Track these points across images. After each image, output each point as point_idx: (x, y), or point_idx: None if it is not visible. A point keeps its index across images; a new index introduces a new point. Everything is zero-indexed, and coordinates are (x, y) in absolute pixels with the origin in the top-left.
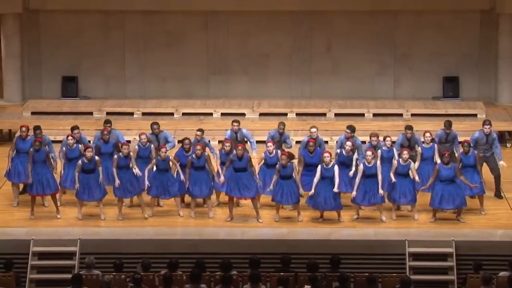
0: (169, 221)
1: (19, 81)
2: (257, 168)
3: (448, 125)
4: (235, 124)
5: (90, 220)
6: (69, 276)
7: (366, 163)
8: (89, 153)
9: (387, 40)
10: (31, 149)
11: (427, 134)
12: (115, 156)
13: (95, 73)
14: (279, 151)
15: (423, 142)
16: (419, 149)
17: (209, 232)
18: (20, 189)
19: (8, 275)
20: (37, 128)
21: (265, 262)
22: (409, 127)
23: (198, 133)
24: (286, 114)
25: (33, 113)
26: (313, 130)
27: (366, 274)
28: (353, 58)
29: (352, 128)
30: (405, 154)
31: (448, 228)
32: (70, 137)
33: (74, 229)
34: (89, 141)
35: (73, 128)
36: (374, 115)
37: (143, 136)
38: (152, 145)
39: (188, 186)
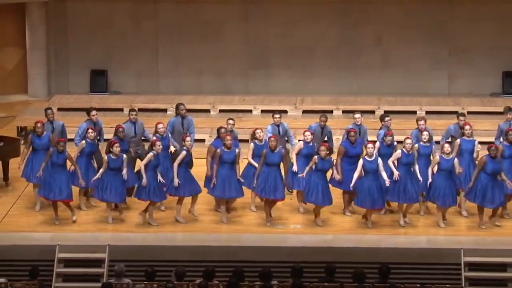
0: (203, 227)
1: (45, 75)
2: (293, 158)
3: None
4: (276, 116)
5: (121, 225)
6: (97, 285)
7: (405, 151)
8: (116, 149)
9: (442, 32)
10: (51, 149)
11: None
12: (150, 154)
13: (126, 66)
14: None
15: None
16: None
17: (247, 238)
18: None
19: (32, 283)
20: (48, 108)
21: (308, 271)
22: (462, 114)
23: (230, 121)
24: (331, 111)
25: (59, 109)
26: (357, 116)
27: (418, 285)
28: (404, 51)
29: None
30: (447, 147)
31: (508, 236)
32: (90, 130)
33: (103, 234)
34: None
35: (89, 111)
36: (427, 112)
37: (161, 125)
38: (170, 135)
39: (214, 182)
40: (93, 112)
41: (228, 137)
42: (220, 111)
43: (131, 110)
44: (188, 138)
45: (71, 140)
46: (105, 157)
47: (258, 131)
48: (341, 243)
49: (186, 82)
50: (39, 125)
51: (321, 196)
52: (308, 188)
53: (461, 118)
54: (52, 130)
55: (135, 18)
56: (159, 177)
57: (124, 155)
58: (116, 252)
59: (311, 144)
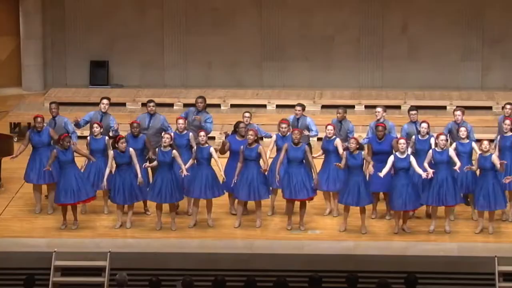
0: (213, 232)
1: (40, 66)
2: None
3: None
4: (298, 108)
5: (123, 230)
6: None
7: (438, 149)
8: (122, 145)
9: (475, 20)
10: (55, 150)
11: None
12: (156, 149)
13: (129, 57)
14: (337, 139)
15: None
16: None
17: (261, 245)
18: (43, 193)
19: None
20: (52, 102)
21: (328, 281)
22: (412, 109)
23: (246, 115)
24: (353, 107)
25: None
26: (379, 109)
27: None
28: (433, 41)
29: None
30: (486, 144)
31: None
32: (96, 125)
33: (104, 240)
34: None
35: (103, 99)
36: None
37: (181, 121)
38: (190, 133)
39: (236, 182)
40: (104, 101)
41: (251, 132)
42: (232, 106)
43: (149, 101)
44: (202, 133)
45: (82, 138)
46: (110, 152)
47: (283, 125)
48: (364, 250)
49: (194, 74)
50: (39, 119)
51: (356, 196)
52: (346, 188)
53: (508, 106)
54: (54, 125)
55: (139, 5)
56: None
57: (132, 149)
58: (117, 260)
59: (332, 138)
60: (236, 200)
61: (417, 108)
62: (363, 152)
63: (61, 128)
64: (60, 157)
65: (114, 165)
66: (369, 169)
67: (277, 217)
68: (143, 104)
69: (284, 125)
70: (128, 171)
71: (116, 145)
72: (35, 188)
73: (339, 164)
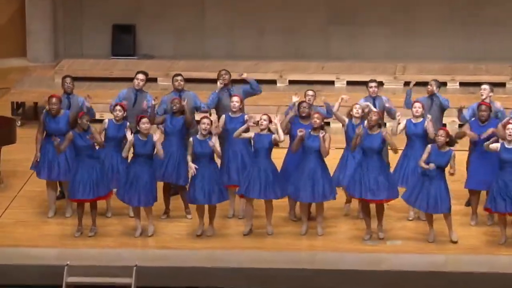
0: (266, 242)
1: (50, 32)
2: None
3: None
4: (372, 85)
5: (152, 239)
6: None
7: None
8: (144, 125)
9: None
10: (71, 133)
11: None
12: (191, 140)
13: (161, 21)
14: (427, 117)
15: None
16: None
17: (326, 259)
18: (58, 191)
19: None
20: (66, 76)
21: None
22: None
23: (310, 93)
24: (444, 84)
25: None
26: (485, 87)
27: None
28: None
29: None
30: None
31: None
32: (119, 108)
33: (129, 251)
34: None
35: (139, 73)
36: None
37: (236, 98)
38: (245, 114)
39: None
40: (140, 76)
41: (317, 115)
42: (290, 82)
43: (176, 75)
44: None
45: (93, 121)
46: (130, 138)
47: (356, 106)
48: (458, 265)
49: (242, 43)
50: (54, 100)
51: (439, 201)
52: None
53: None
54: (68, 106)
55: None
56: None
57: (155, 135)
58: (145, 276)
59: (420, 121)
60: (298, 203)
61: None
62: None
63: (77, 109)
64: (76, 141)
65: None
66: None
67: (344, 223)
68: (190, 80)
69: (357, 107)
70: (147, 165)
71: (138, 128)
72: (49, 186)
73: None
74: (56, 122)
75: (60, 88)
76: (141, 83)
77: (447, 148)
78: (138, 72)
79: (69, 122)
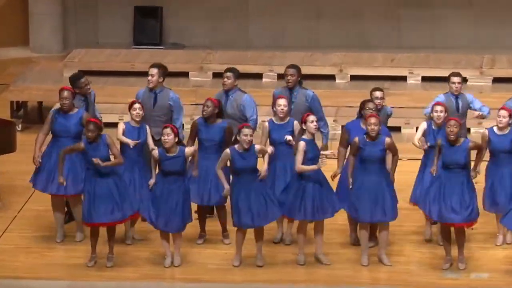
0: (310, 273)
1: (58, 16)
2: None
3: None
4: (455, 80)
5: (180, 268)
6: None
7: None
8: (168, 137)
9: None
10: (82, 144)
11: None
12: (228, 152)
13: (193, 3)
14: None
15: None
16: None
17: None
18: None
19: None
20: (79, 74)
21: None
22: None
23: (378, 94)
24: None
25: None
26: None
27: None
28: None
29: None
30: None
31: None
32: (137, 106)
33: (153, 285)
34: None
35: (152, 67)
36: None
37: (282, 101)
38: (295, 120)
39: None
40: (152, 71)
41: (373, 121)
42: (352, 77)
43: (227, 70)
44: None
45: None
46: (155, 151)
47: (438, 108)
48: None
49: (293, 29)
50: (65, 94)
51: None
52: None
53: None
54: (87, 106)
55: None
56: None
57: (188, 149)
58: None
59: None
60: (359, 225)
61: None
62: None
63: (92, 110)
64: (88, 152)
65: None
66: None
67: (413, 249)
68: (215, 74)
69: (439, 108)
70: (178, 182)
71: (162, 138)
72: (55, 202)
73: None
74: (65, 119)
75: (68, 83)
76: (154, 79)
77: None
78: (150, 66)
79: (82, 123)
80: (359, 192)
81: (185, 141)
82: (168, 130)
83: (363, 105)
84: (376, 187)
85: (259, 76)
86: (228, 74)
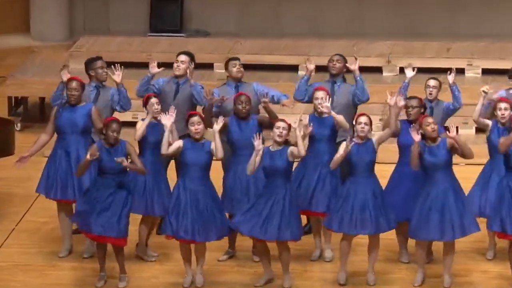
0: None
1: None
2: None
3: None
4: None
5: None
6: None
7: None
8: (194, 126)
9: None
10: (95, 145)
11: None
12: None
13: None
14: None
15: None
16: None
17: None
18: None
19: None
20: (98, 58)
21: None
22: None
23: (432, 83)
24: None
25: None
26: None
27: None
28: None
29: None
30: None
31: None
32: (154, 100)
33: None
34: None
35: (180, 54)
36: None
37: (321, 93)
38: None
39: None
40: (181, 57)
41: (430, 121)
42: (402, 70)
43: (232, 58)
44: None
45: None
46: (177, 143)
47: (502, 105)
48: None
49: (332, 15)
50: (74, 85)
51: None
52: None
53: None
54: (96, 98)
55: None
56: None
57: (214, 144)
58: None
59: None
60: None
61: None
62: None
63: (105, 105)
64: (102, 158)
65: None
66: None
67: (477, 270)
68: (247, 67)
69: (503, 106)
70: (203, 186)
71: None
72: (61, 213)
73: None
74: (71, 111)
75: (74, 75)
76: (183, 67)
77: None
78: (179, 53)
79: (93, 122)
80: (417, 204)
81: None
82: (197, 119)
83: (411, 100)
84: (443, 200)
85: (294, 68)
86: (239, 61)
